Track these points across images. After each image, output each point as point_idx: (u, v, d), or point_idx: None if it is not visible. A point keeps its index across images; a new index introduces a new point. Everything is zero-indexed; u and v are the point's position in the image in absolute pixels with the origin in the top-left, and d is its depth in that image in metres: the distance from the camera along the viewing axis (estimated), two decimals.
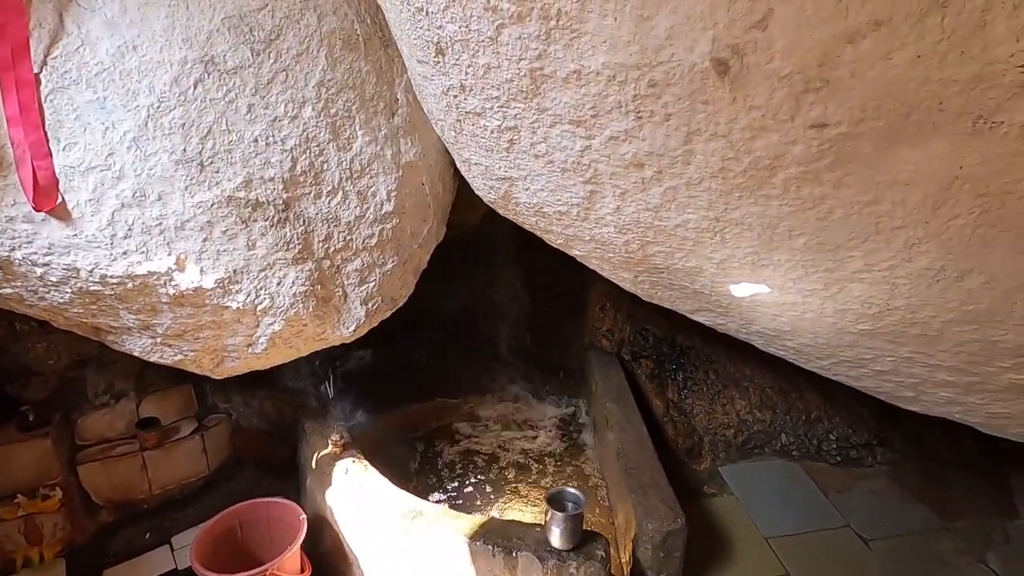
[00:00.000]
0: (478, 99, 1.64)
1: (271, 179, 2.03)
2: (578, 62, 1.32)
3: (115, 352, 2.23)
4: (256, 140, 2.01)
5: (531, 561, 2.19)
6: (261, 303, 2.08)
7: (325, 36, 2.13)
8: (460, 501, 3.12)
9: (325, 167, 2.14)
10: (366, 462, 2.69)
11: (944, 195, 1.19)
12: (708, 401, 3.72)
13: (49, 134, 1.78)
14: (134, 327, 2.07)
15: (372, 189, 2.25)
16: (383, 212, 2.28)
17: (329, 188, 2.16)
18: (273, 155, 2.04)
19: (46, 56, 1.79)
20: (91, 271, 1.85)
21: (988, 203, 1.16)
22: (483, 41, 1.42)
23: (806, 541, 3.00)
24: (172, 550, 2.87)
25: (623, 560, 2.63)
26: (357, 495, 2.53)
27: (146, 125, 1.86)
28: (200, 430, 3.10)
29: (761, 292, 1.87)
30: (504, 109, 1.60)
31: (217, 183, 1.95)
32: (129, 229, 1.86)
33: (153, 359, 2.18)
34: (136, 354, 2.16)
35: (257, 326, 2.15)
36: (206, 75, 1.93)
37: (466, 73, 1.57)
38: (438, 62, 1.62)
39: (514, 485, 3.26)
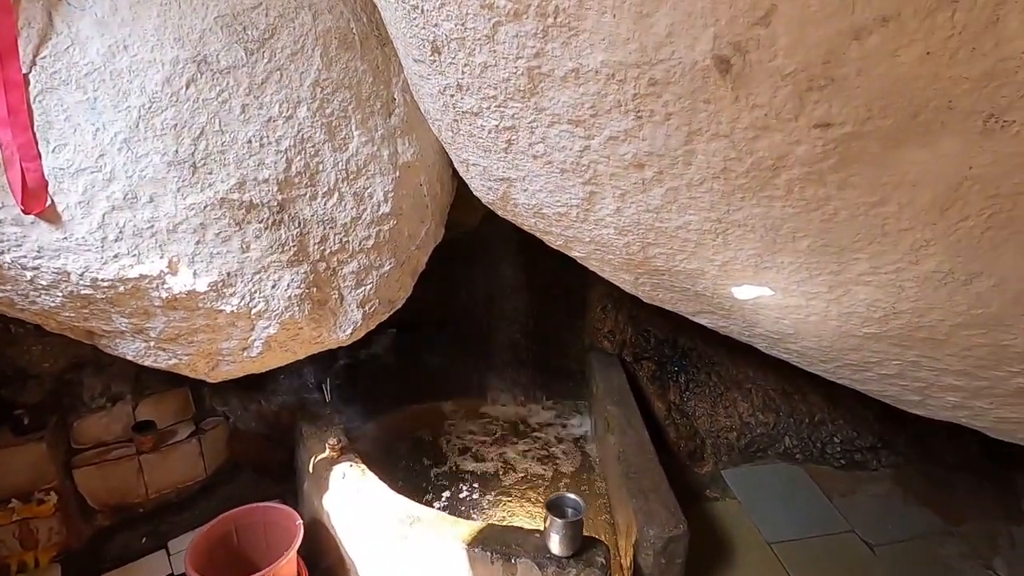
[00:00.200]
0: (475, 98, 1.61)
1: (265, 180, 2.00)
2: (576, 60, 1.30)
3: (111, 355, 2.20)
4: (250, 141, 1.98)
5: (530, 568, 2.16)
6: (256, 306, 2.05)
7: (320, 35, 2.10)
8: (458, 506, 3.09)
9: (320, 168, 2.11)
10: (364, 466, 2.66)
11: (953, 196, 1.16)
12: (710, 403, 3.69)
13: (38, 135, 1.75)
14: (127, 331, 2.04)
15: (369, 190, 2.22)
16: (380, 213, 2.25)
17: (325, 189, 2.13)
18: (267, 156, 2.01)
19: (35, 56, 1.75)
20: (82, 274, 1.82)
21: (998, 204, 1.13)
22: (479, 39, 1.40)
23: (810, 546, 2.97)
24: (168, 555, 2.85)
25: (624, 565, 2.60)
26: (354, 499, 2.50)
27: (137, 126, 1.83)
28: (197, 433, 3.08)
29: (764, 295, 1.84)
30: (501, 109, 1.58)
31: (210, 185, 1.92)
32: (120, 232, 1.83)
33: (147, 363, 2.15)
34: (130, 358, 2.14)
35: (252, 329, 2.12)
36: (199, 75, 1.90)
37: (462, 72, 1.55)
38: (434, 61, 1.60)
39: (513, 489, 3.23)
